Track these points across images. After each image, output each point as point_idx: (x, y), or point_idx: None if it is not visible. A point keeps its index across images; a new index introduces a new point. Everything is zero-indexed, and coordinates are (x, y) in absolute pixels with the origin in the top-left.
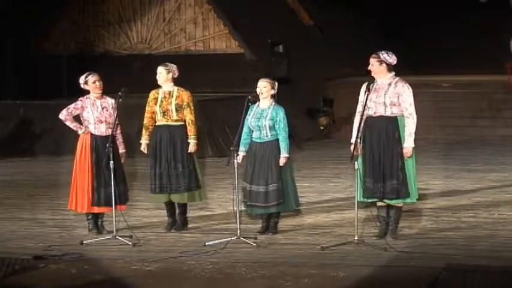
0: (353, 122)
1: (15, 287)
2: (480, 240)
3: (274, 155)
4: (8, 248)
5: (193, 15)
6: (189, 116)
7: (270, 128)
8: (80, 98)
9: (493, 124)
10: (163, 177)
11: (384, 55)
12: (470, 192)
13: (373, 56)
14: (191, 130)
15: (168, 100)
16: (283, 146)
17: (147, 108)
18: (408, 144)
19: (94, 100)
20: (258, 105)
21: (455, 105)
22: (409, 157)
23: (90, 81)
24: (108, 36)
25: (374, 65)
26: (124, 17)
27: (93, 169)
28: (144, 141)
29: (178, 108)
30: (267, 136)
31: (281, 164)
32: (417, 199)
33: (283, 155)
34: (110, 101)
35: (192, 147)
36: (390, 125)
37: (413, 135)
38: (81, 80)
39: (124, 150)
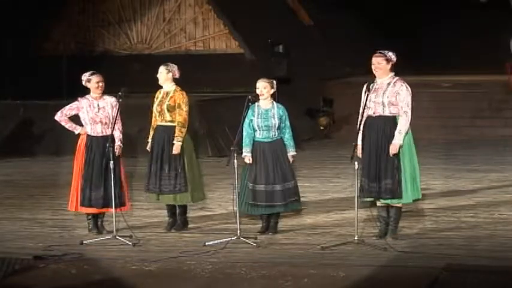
0: (354, 122)
1: (15, 287)
2: (480, 240)
3: (284, 153)
4: (8, 248)
5: (193, 15)
6: (178, 117)
7: (278, 127)
8: (78, 98)
9: (493, 124)
10: (152, 177)
11: (389, 54)
12: (470, 192)
13: (379, 54)
14: (177, 131)
15: (163, 100)
16: (292, 143)
17: (152, 108)
18: (396, 140)
19: (92, 101)
20: (259, 105)
21: (455, 105)
22: (395, 154)
23: (93, 81)
24: (108, 36)
25: (382, 64)
26: (124, 17)
27: (84, 169)
28: (150, 140)
29: (170, 109)
30: (275, 135)
31: (291, 161)
32: (418, 199)
33: (293, 153)
34: (109, 100)
35: (174, 149)
36: (388, 125)
37: (404, 133)
38: (84, 76)
39: (119, 144)
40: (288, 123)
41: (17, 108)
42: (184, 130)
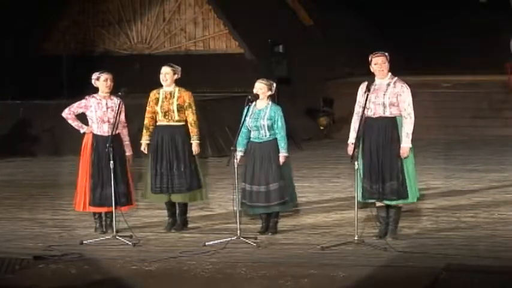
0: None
1: (15, 287)
2: (480, 240)
3: (274, 154)
4: (8, 248)
5: (193, 15)
6: (191, 117)
7: (268, 127)
8: (86, 97)
9: (493, 124)
10: (164, 177)
11: (386, 54)
12: (470, 192)
13: (380, 54)
14: (193, 131)
15: (169, 101)
16: (282, 144)
17: (147, 108)
18: (405, 144)
19: (100, 100)
20: (255, 105)
21: (455, 105)
22: (405, 157)
23: (101, 79)
24: (108, 36)
25: (385, 64)
26: (124, 17)
27: (91, 169)
28: (145, 141)
29: (180, 108)
30: (265, 136)
31: (281, 162)
32: (418, 198)
33: (283, 154)
34: (116, 101)
35: (195, 148)
36: (389, 126)
37: (411, 135)
38: (94, 75)
39: (131, 153)
40: (280, 124)
41: (17, 108)
42: (198, 129)
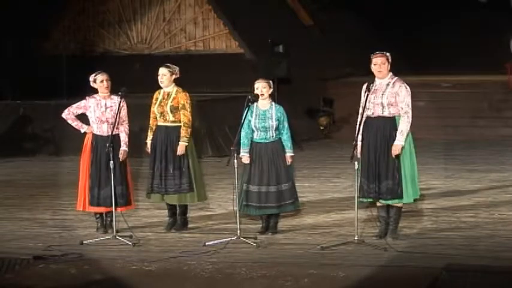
0: (354, 122)
1: (15, 287)
2: (480, 240)
3: (281, 154)
4: (8, 248)
5: (193, 15)
6: (183, 118)
7: (275, 128)
8: (86, 97)
9: (493, 124)
10: (156, 178)
11: (387, 54)
12: (470, 192)
13: (381, 55)
14: (183, 132)
15: (165, 101)
16: (289, 145)
17: (151, 108)
18: (397, 141)
19: (99, 100)
20: (257, 106)
21: (455, 105)
22: (396, 155)
23: (98, 80)
24: (108, 36)
25: (385, 64)
26: (124, 17)
27: (90, 169)
28: (149, 141)
29: (174, 110)
30: (272, 136)
31: (288, 162)
32: (416, 199)
33: (290, 154)
34: (117, 100)
35: (179, 149)
36: (388, 126)
37: (405, 134)
38: (91, 78)
39: (124, 149)
40: (286, 124)
41: (17, 108)
42: (189, 130)
